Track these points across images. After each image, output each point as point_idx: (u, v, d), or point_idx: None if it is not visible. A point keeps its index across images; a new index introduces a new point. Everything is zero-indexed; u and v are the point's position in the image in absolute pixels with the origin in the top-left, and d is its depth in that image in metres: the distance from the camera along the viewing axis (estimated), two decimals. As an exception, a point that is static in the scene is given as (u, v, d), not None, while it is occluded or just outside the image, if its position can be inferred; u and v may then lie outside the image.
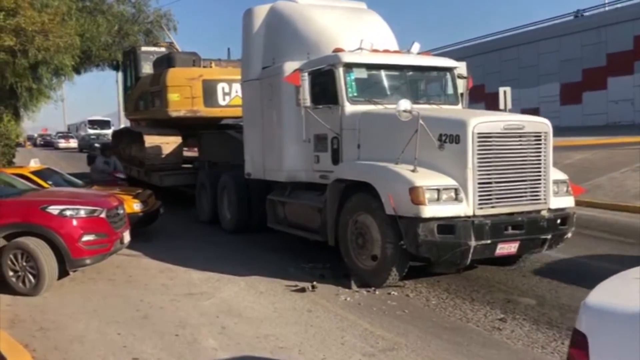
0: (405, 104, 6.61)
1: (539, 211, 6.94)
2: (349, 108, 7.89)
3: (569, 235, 7.29)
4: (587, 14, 33.98)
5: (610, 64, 30.97)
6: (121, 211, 8.29)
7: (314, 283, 7.21)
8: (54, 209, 7.31)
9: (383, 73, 8.35)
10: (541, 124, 6.96)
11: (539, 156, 6.90)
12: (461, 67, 8.92)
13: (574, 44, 32.73)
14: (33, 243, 7.09)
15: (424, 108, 7.52)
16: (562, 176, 7.37)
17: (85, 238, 7.32)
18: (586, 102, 32.15)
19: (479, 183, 6.56)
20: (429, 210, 6.35)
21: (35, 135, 66.87)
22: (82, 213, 7.46)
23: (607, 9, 33.19)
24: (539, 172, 6.90)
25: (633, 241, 9.30)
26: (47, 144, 59.13)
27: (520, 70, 35.41)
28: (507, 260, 7.78)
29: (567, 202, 7.28)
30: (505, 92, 17.91)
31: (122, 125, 33.12)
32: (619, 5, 32.12)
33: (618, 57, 30.32)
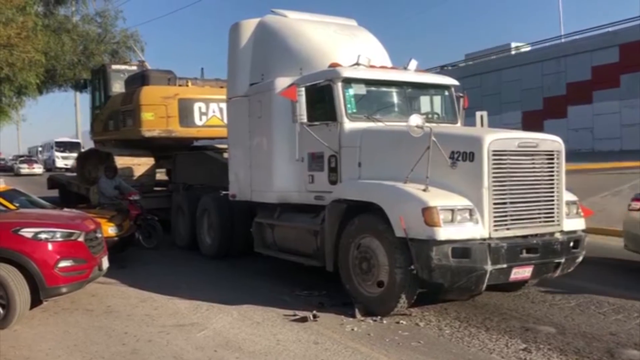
0: (417, 119, 6.25)
1: (552, 233, 6.63)
2: (348, 125, 7.48)
3: (580, 259, 7.00)
4: (547, 44, 34.87)
5: (570, 93, 31.73)
6: (99, 235, 7.62)
7: (315, 312, 6.67)
8: (27, 232, 6.61)
9: (382, 89, 8.01)
10: (554, 142, 6.70)
11: (552, 176, 6.61)
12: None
13: (535, 73, 33.49)
14: (3, 269, 6.33)
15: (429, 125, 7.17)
16: (572, 197, 7.10)
17: (62, 264, 6.64)
18: (547, 130, 32.56)
19: (494, 203, 6.20)
20: (444, 232, 5.94)
21: None
22: (59, 236, 6.78)
23: (562, 40, 34.14)
24: (552, 192, 6.61)
25: (631, 266, 9.12)
26: (3, 168, 52.73)
27: (483, 98, 35.94)
28: (512, 286, 7.43)
29: (578, 224, 7.01)
30: (482, 116, 17.94)
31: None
32: (576, 37, 33.08)
33: (577, 87, 31.12)
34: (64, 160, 43.60)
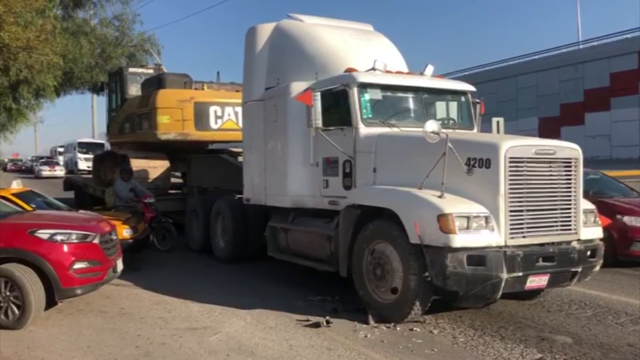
0: (433, 124, 6.20)
1: (569, 242, 6.54)
2: (364, 130, 7.45)
3: (598, 268, 6.91)
4: (564, 50, 34.59)
5: (588, 99, 31.43)
6: (114, 237, 7.65)
7: (328, 318, 6.64)
8: (43, 233, 6.65)
9: (398, 95, 7.98)
10: (572, 149, 6.62)
11: (570, 183, 6.54)
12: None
13: (552, 80, 33.22)
14: (19, 270, 6.39)
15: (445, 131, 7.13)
16: (589, 205, 7.01)
17: (77, 266, 6.66)
18: (564, 137, 32.32)
19: (511, 211, 6.14)
20: (459, 240, 5.89)
21: (6, 160, 60.97)
22: (74, 238, 6.81)
23: (581, 47, 33.84)
24: (570, 200, 6.53)
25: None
26: (21, 169, 51.74)
27: (499, 104, 35.69)
28: (528, 294, 7.35)
29: (595, 232, 6.91)
30: (498, 122, 17.82)
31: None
32: (594, 43, 32.78)
33: (595, 93, 30.82)
34: (87, 162, 37.62)
